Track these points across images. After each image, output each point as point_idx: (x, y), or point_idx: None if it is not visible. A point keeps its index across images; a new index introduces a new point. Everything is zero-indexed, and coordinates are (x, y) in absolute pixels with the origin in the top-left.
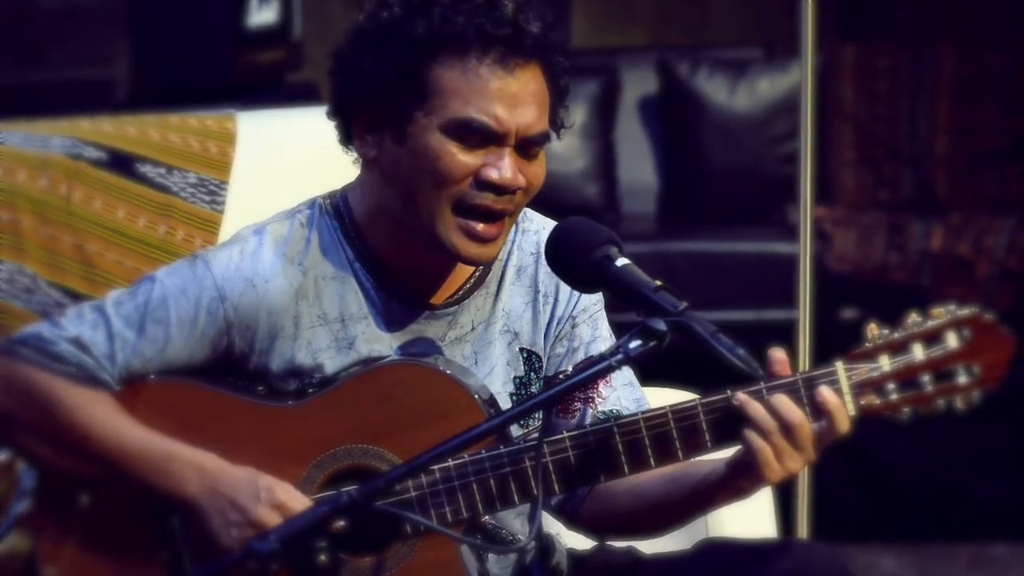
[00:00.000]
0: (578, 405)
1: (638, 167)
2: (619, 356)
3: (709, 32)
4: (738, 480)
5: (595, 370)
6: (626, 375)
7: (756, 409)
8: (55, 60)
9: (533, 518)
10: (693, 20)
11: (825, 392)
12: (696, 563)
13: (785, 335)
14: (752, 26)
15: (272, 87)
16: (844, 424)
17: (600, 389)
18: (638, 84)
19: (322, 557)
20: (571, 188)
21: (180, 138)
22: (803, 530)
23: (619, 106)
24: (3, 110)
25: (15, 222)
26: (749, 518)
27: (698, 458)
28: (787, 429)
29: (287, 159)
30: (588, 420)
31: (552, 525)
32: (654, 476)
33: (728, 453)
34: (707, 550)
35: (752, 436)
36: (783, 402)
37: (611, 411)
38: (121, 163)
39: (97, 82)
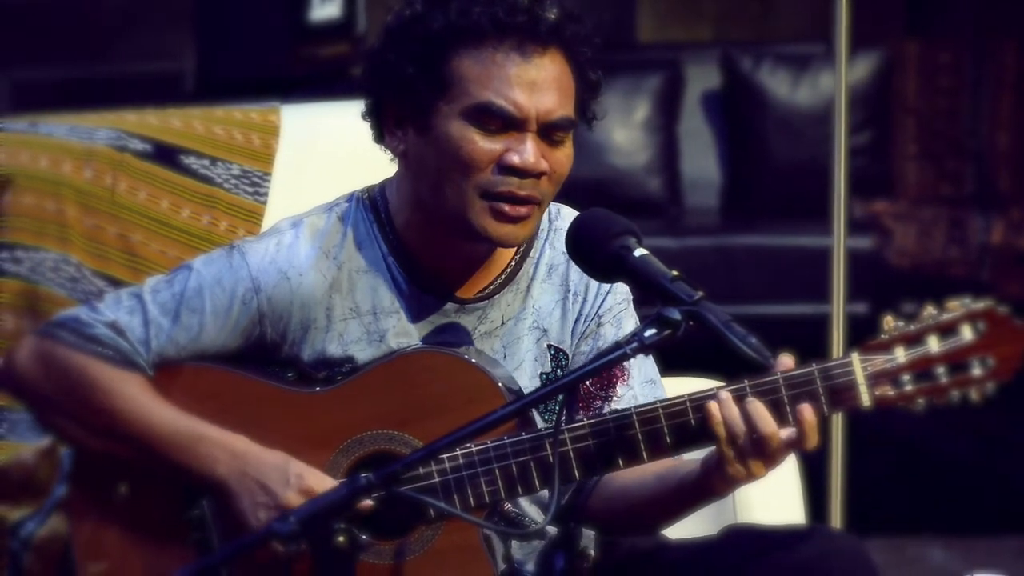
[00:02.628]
0: (598, 403)
1: (701, 161)
2: (634, 344)
3: (773, 27)
4: (710, 478)
5: (611, 357)
6: (648, 372)
7: (731, 413)
8: (124, 54)
9: (550, 503)
10: (758, 15)
11: (804, 409)
12: (721, 548)
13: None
14: (816, 21)
15: (336, 81)
16: (813, 441)
17: (617, 388)
18: (702, 79)
19: (340, 539)
20: (634, 181)
21: (224, 130)
22: (836, 520)
23: (683, 100)
24: (73, 103)
25: (60, 212)
26: (777, 504)
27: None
28: (756, 437)
29: (330, 151)
30: None
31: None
32: (653, 477)
33: None
34: (732, 535)
35: (720, 439)
36: (758, 410)
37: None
38: (165, 155)
39: (165, 76)
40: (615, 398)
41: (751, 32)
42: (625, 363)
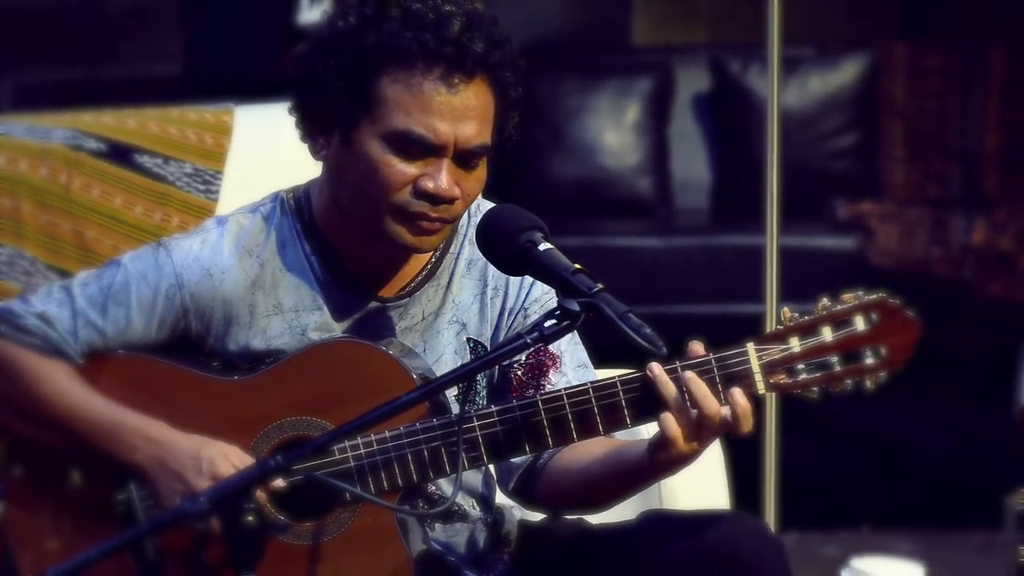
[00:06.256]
0: (531, 392)
1: (691, 162)
2: (535, 334)
3: (766, 30)
4: (657, 456)
5: (511, 347)
6: (580, 357)
7: (669, 390)
8: (127, 56)
9: (455, 484)
10: (751, 18)
11: (736, 394)
12: (636, 532)
13: None
14: (809, 25)
15: None
16: (747, 425)
17: (550, 376)
18: (692, 81)
19: (250, 518)
20: (625, 182)
21: (178, 130)
22: (771, 513)
23: (673, 102)
24: (74, 104)
25: (16, 209)
26: (702, 491)
27: (637, 437)
28: (695, 406)
29: (282, 150)
30: None
31: (507, 498)
32: (599, 457)
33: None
34: (648, 521)
35: (664, 416)
36: (693, 380)
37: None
38: (120, 154)
39: (167, 78)
40: (548, 386)
41: (745, 35)
42: (556, 351)
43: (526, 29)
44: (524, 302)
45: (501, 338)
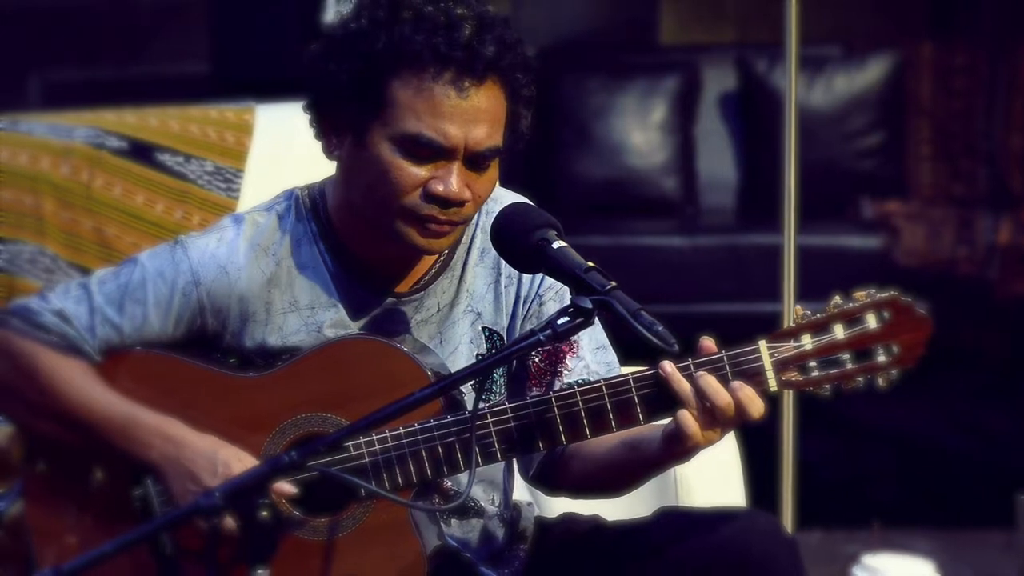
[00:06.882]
0: (549, 378)
1: (717, 162)
2: (548, 331)
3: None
4: (672, 448)
5: (525, 344)
6: (598, 339)
7: (683, 387)
8: (154, 55)
9: (468, 482)
10: (778, 18)
11: (736, 384)
12: (652, 529)
13: None
14: (835, 24)
15: None
16: (757, 410)
17: (567, 362)
18: (718, 80)
19: (264, 513)
20: (651, 181)
21: (199, 128)
22: (788, 512)
23: (700, 102)
24: (104, 102)
25: (38, 207)
26: (718, 487)
27: (655, 425)
28: (708, 401)
29: (303, 149)
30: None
31: (525, 494)
32: (618, 443)
33: None
34: (662, 517)
35: (680, 412)
36: (704, 377)
37: (576, 382)
38: (141, 152)
39: (194, 76)
40: (566, 372)
41: (772, 34)
42: (573, 337)
43: (553, 28)
44: (539, 289)
45: (518, 326)
